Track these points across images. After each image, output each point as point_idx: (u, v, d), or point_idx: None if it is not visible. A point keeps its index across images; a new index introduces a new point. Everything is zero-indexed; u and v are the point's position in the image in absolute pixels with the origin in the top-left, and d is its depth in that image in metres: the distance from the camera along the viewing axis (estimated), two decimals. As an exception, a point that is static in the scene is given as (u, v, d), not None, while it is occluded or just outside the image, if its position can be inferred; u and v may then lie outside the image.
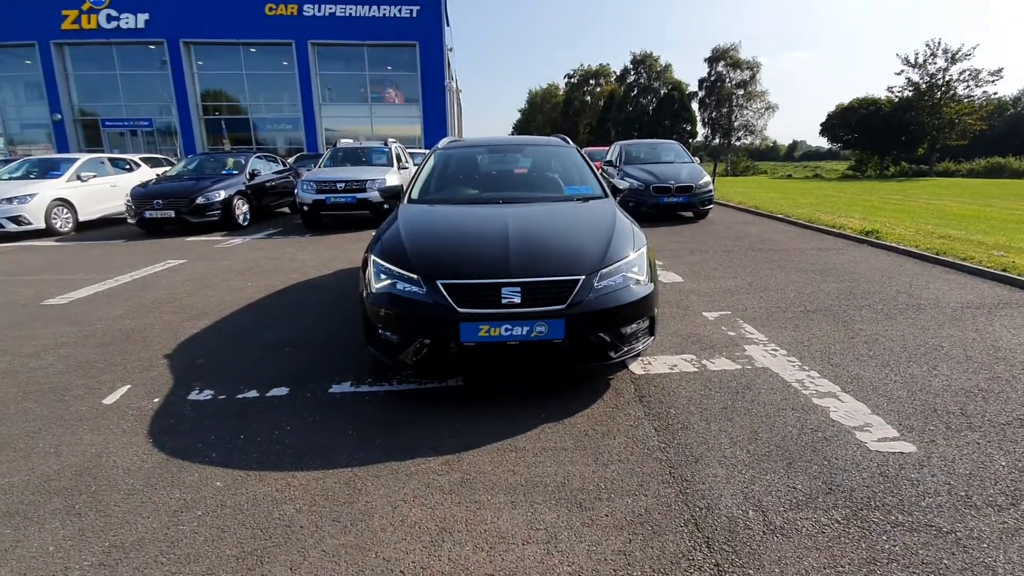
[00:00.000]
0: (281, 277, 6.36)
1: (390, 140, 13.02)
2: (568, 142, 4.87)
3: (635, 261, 3.07)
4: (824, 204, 13.69)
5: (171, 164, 15.56)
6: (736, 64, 42.72)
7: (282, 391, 3.27)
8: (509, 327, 2.74)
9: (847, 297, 5.02)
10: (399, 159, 12.34)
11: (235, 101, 28.44)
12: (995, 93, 33.19)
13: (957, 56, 31.29)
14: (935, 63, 32.02)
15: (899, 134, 33.96)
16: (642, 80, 50.23)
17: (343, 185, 10.33)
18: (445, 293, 2.79)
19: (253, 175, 11.76)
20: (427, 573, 1.81)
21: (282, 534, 2.02)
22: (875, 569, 1.80)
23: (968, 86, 31.47)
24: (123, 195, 11.81)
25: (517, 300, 2.75)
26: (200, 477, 2.40)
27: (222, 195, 10.46)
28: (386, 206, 10.57)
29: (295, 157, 19.59)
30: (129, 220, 10.35)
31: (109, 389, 3.34)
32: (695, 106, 46.67)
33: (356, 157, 12.35)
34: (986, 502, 2.11)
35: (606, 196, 4.02)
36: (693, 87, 46.73)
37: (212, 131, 27.98)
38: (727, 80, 43.17)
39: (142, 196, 10.10)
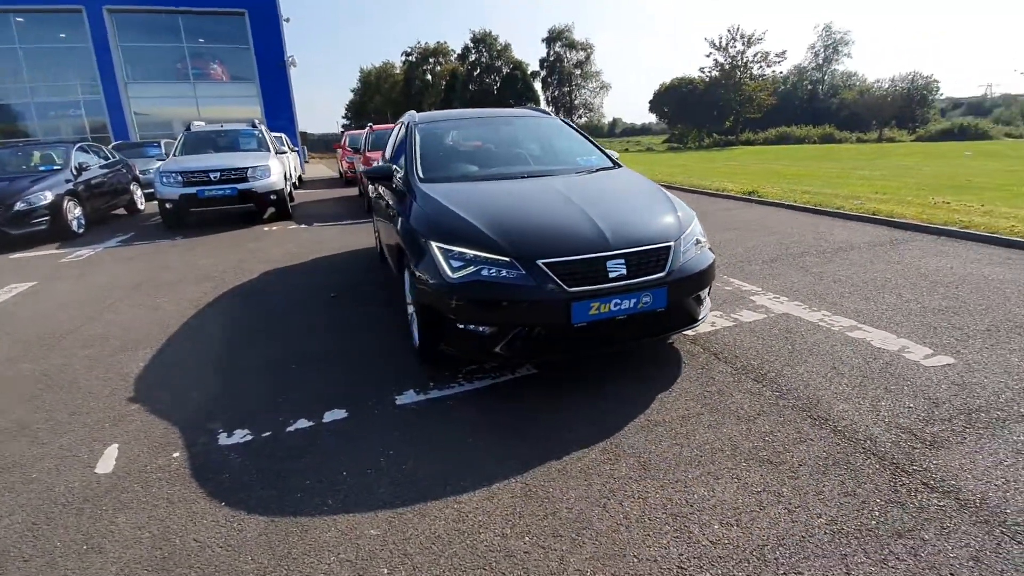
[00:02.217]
0: (196, 289, 5.27)
1: (256, 120, 11.41)
2: (549, 113, 4.74)
3: (697, 225, 3.15)
4: (686, 172, 15.40)
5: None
6: (572, 45, 45.41)
7: (339, 414, 2.75)
8: (618, 301, 2.64)
9: (783, 247, 5.76)
10: (271, 143, 10.88)
11: (3, 84, 22.30)
12: (781, 72, 40.36)
13: (752, 40, 37.33)
14: (735, 46, 37.84)
15: (711, 109, 39.59)
16: (484, 59, 50.75)
17: (218, 175, 8.80)
18: (551, 273, 2.57)
19: (80, 170, 9.45)
20: (704, 559, 1.71)
21: (511, 565, 1.73)
22: (1020, 459, 2.13)
23: (760, 66, 37.86)
24: None
25: (623, 272, 2.65)
26: (341, 531, 1.93)
27: (48, 197, 8.25)
28: (272, 197, 9.32)
29: (111, 147, 16.15)
30: (-94, 238, 7.64)
31: (90, 453, 2.49)
32: (538, 85, 48.68)
33: (217, 142, 10.59)
34: (1034, 390, 2.63)
35: (618, 165, 4.03)
36: (534, 66, 48.62)
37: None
38: (565, 60, 45.74)
39: (-74, 205, 7.51)
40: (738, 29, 37.45)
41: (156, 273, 6.02)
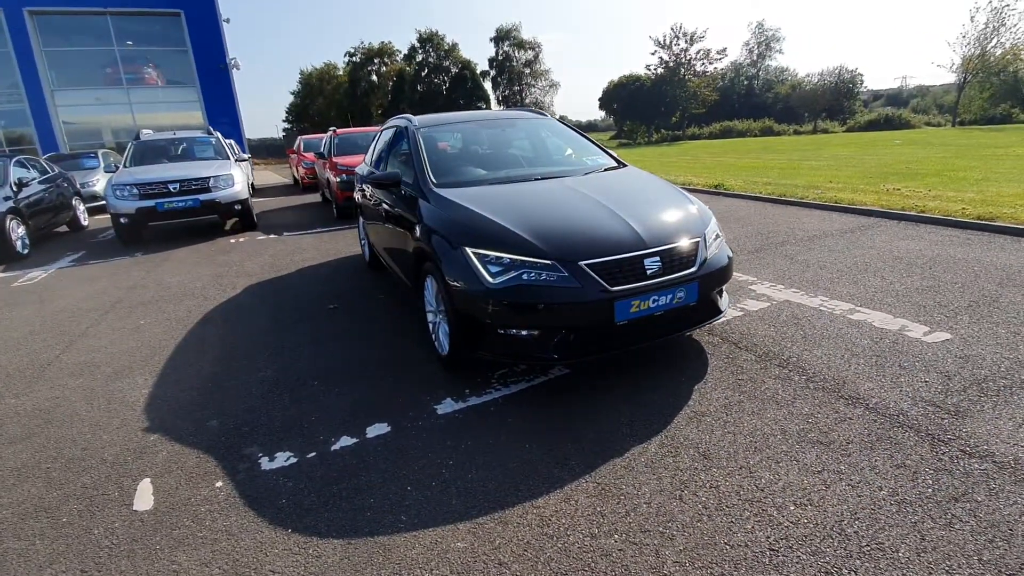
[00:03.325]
0: (178, 307, 5.00)
1: (210, 128, 10.89)
2: (545, 114, 4.77)
3: (714, 221, 3.27)
4: (644, 167, 15.78)
5: None
6: (520, 44, 45.66)
7: (382, 428, 2.69)
8: (656, 298, 2.71)
9: (763, 237, 6.04)
10: (227, 151, 10.41)
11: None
12: (721, 69, 42.05)
13: (694, 38, 38.81)
14: (679, 44, 39.21)
15: (659, 105, 40.81)
16: (431, 59, 50.20)
17: (178, 186, 8.34)
18: (594, 274, 2.61)
19: (20, 185, 8.72)
20: (792, 540, 1.79)
21: (610, 564, 1.76)
22: (1032, 421, 2.35)
23: (703, 63, 39.37)
24: None
25: (659, 269, 2.73)
26: (425, 547, 1.89)
27: (-13, 216, 7.58)
28: (238, 207, 8.93)
29: (44, 159, 14.98)
30: None
31: (120, 491, 2.34)
32: (488, 85, 48.62)
33: (169, 151, 10.06)
34: (1026, 358, 2.89)
35: (623, 164, 4.11)
36: (483, 66, 48.56)
37: None
38: (514, 60, 45.95)
39: None
40: (681, 27, 38.95)
41: (127, 293, 5.66)
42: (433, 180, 3.56)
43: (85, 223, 11.22)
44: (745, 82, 54.36)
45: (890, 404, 2.55)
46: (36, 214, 8.95)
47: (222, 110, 24.62)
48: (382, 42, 59.10)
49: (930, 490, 1.97)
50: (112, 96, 23.14)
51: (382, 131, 5.41)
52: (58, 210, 10.11)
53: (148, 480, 2.40)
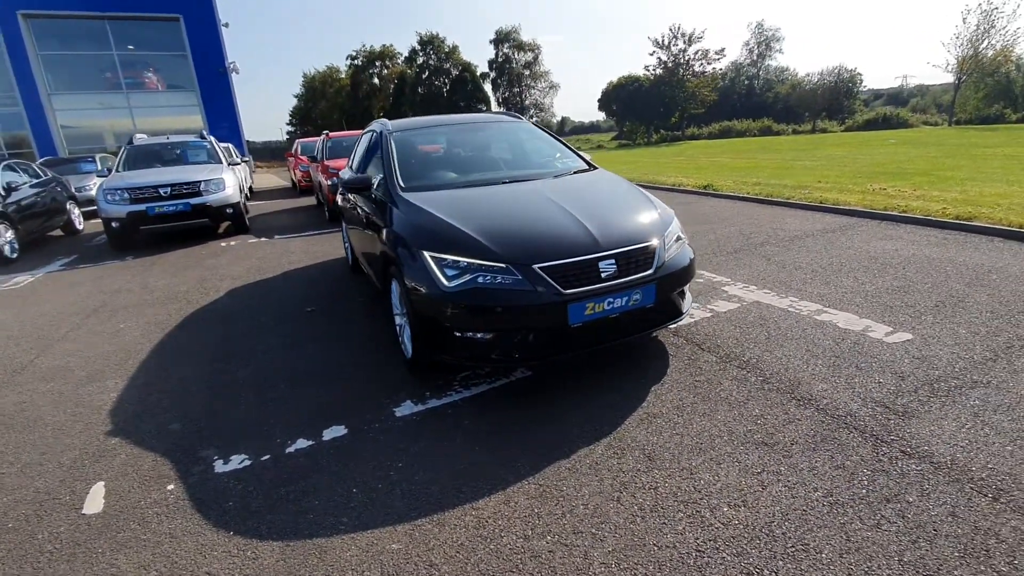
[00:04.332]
0: (159, 311, 5.04)
1: (205, 132, 10.95)
2: (520, 117, 4.80)
3: (676, 223, 3.28)
4: (638, 168, 15.82)
5: None
6: (520, 46, 45.75)
7: (339, 430, 2.71)
8: (611, 300, 2.73)
9: (744, 238, 6.04)
10: (222, 155, 10.46)
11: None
12: (719, 69, 41.98)
13: (692, 38, 38.75)
14: (677, 45, 39.16)
15: (658, 106, 40.78)
16: (432, 62, 50.36)
17: (169, 190, 8.39)
18: (547, 277, 2.63)
19: (8, 189, 8.80)
20: (719, 541, 1.80)
21: (538, 565, 1.77)
22: (983, 416, 2.36)
23: (701, 64, 39.31)
24: None
25: (614, 272, 2.74)
26: (361, 548, 1.92)
27: (-25, 221, 7.64)
28: (229, 210, 8.98)
29: (40, 163, 15.08)
30: None
31: (72, 495, 2.36)
32: (488, 87, 48.74)
33: (163, 156, 10.11)
34: (982, 355, 2.89)
35: (593, 167, 4.13)
36: (483, 68, 48.67)
37: None
38: (514, 62, 46.03)
39: None
40: (679, 28, 38.86)
41: (111, 297, 5.71)
42: (401, 184, 3.59)
43: (80, 227, 11.29)
44: (745, 82, 54.30)
45: (840, 405, 2.56)
46: (26, 218, 9.02)
47: (222, 114, 24.78)
48: (383, 45, 59.29)
49: (864, 491, 1.98)
50: (112, 100, 23.33)
51: (362, 136, 5.45)
52: (51, 214, 10.18)
53: (102, 483, 2.43)
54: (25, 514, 2.25)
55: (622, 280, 2.75)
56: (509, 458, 2.38)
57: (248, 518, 2.13)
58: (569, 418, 2.65)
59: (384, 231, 3.39)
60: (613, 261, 2.75)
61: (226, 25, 23.61)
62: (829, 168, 12.33)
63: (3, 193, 8.59)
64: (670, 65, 39.72)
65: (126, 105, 23.39)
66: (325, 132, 11.72)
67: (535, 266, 2.65)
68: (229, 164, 10.28)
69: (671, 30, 39.17)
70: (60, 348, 4.26)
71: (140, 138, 10.60)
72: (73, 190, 11.55)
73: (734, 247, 5.65)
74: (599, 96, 47.04)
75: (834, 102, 45.34)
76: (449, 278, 2.71)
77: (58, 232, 10.76)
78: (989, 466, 2.06)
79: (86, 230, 11.20)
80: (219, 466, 2.49)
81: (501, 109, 48.26)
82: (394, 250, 3.13)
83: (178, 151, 10.33)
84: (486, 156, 4.24)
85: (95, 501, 2.31)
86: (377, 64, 60.61)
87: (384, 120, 4.56)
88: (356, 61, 61.16)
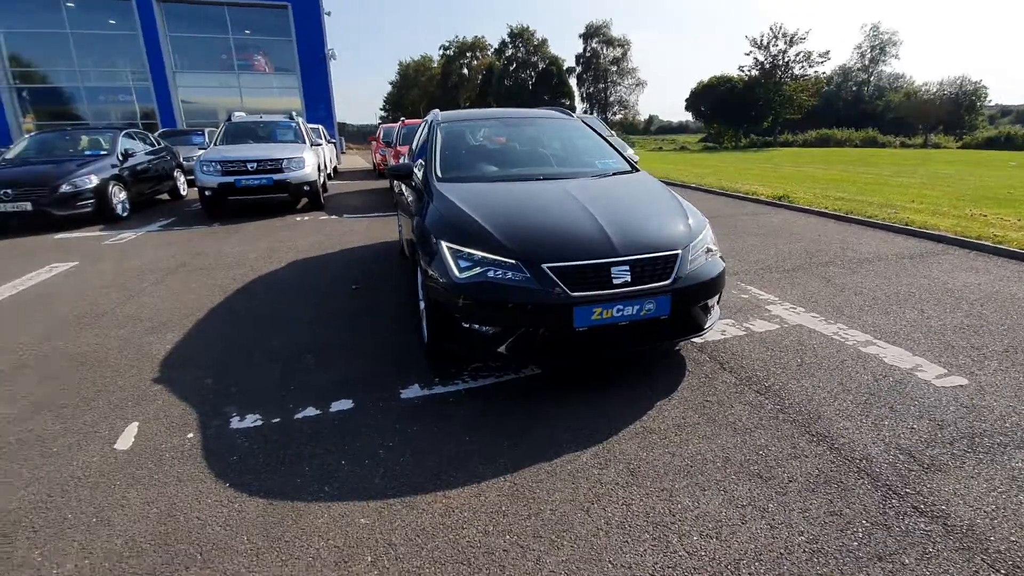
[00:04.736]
0: (227, 275, 5.50)
1: (294, 112, 11.72)
2: (570, 114, 4.75)
3: (708, 233, 3.13)
4: (717, 174, 15.09)
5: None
6: (609, 41, 44.91)
7: (346, 404, 2.86)
8: (621, 307, 2.66)
9: (808, 256, 5.63)
10: (307, 135, 11.18)
11: (56, 67, 23.48)
12: (823, 72, 38.98)
13: (794, 39, 36.18)
14: (777, 45, 36.72)
15: (749, 109, 38.54)
16: (520, 54, 50.65)
17: (255, 165, 9.11)
18: (555, 278, 2.61)
19: (126, 155, 9.90)
20: (678, 570, 1.73)
21: (489, 562, 1.79)
22: (1019, 484, 2.07)
23: (802, 66, 36.66)
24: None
25: (627, 279, 2.67)
26: (332, 517, 2.02)
27: (94, 181, 8.66)
28: (306, 188, 9.61)
29: (157, 134, 16.82)
30: (-37, 216, 8.14)
31: (111, 430, 2.66)
32: (573, 81, 48.33)
33: (256, 133, 10.95)
34: (1051, 418, 2.53)
35: (635, 169, 4.02)
36: (569, 62, 48.29)
37: (31, 102, 22.90)
38: (602, 57, 45.26)
39: (-18, 185, 7.99)
40: (780, 28, 36.34)
41: (191, 259, 6.30)
42: (438, 174, 3.68)
43: (184, 193, 12.50)
44: (853, 88, 49.98)
45: (858, 447, 2.34)
46: (138, 182, 10.13)
47: (319, 96, 26.41)
48: (475, 36, 60.46)
49: (855, 543, 1.82)
50: (225, 80, 25.54)
51: (421, 125, 5.62)
52: (160, 180, 11.38)
53: (136, 424, 2.72)
54: (69, 442, 2.57)
55: (635, 288, 2.67)
56: (494, 453, 2.40)
57: (245, 473, 2.30)
58: (564, 422, 2.62)
59: (416, 218, 3.49)
60: (627, 268, 2.68)
61: (328, 13, 25.03)
62: (930, 187, 11.12)
63: (120, 159, 9.70)
64: (767, 66, 37.27)
65: (236, 85, 25.51)
66: (401, 119, 12.18)
67: (544, 265, 2.64)
68: (312, 145, 10.99)
69: (771, 29, 36.74)
70: (138, 300, 4.77)
71: (238, 116, 11.53)
72: (181, 159, 12.80)
73: (793, 264, 5.28)
74: (687, 96, 45.31)
75: (953, 115, 40.70)
76: (461, 269, 2.76)
77: (165, 196, 11.96)
78: (1011, 539, 1.81)
79: (188, 196, 12.37)
80: (235, 422, 2.71)
81: (584, 105, 47.65)
82: (420, 237, 3.22)
83: (269, 129, 11.14)
84: (529, 152, 4.23)
85: (127, 439, 2.59)
86: (468, 55, 61.95)
87: (437, 111, 4.68)
88: (448, 51, 62.87)
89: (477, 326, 2.76)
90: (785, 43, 36.48)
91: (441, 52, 63.40)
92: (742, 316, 3.93)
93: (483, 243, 2.78)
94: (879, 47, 48.52)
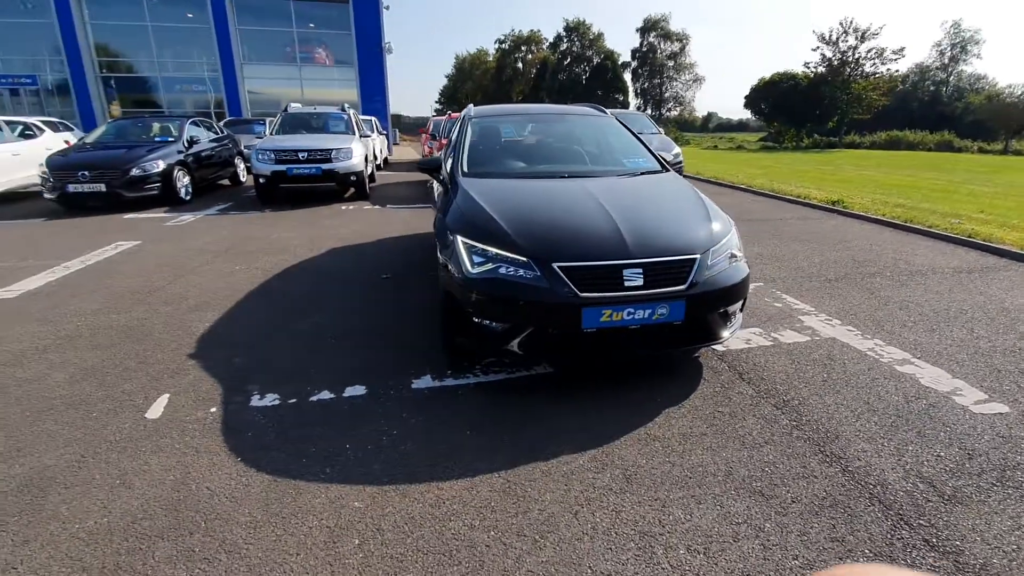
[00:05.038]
0: (269, 259, 5.76)
1: (346, 105, 12.08)
2: (604, 112, 4.69)
3: (733, 238, 3.03)
4: (770, 175, 14.45)
5: (69, 129, 13.59)
6: (667, 35, 43.69)
7: (359, 390, 2.95)
8: (632, 311, 2.61)
9: (855, 265, 5.32)
10: (358, 127, 11.51)
11: (137, 57, 25.16)
12: (896, 71, 36.39)
13: (866, 35, 33.94)
14: (847, 41, 34.59)
15: (814, 108, 36.55)
16: (575, 48, 50.11)
17: (306, 155, 9.49)
18: (565, 278, 2.60)
19: (191, 142, 10.51)
20: (658, 583, 1.70)
21: (470, 556, 1.82)
22: (1054, 530, 1.90)
23: (874, 63, 34.37)
24: (25, 165, 10.24)
25: (639, 282, 2.62)
26: (330, 499, 2.10)
27: (161, 165, 9.26)
28: (352, 178, 9.91)
29: (223, 123, 17.73)
30: (46, 195, 8.89)
31: (145, 400, 2.86)
32: (627, 76, 47.38)
33: (310, 124, 11.39)
34: (1104, 457, 2.31)
35: (665, 169, 3.93)
36: (625, 57, 47.33)
37: (115, 90, 24.64)
38: (659, 51, 44.11)
39: (62, 167, 8.71)
40: (851, 22, 34.08)
41: (240, 242, 6.64)
42: (464, 169, 3.72)
43: (244, 180, 13.16)
44: (931, 88, 46.44)
45: (874, 472, 2.22)
46: (201, 167, 10.75)
47: (375, 89, 27.03)
48: (531, 30, 60.27)
49: (853, 572, 1.72)
50: (288, 72, 26.58)
51: (458, 119, 5.69)
52: (222, 166, 12.03)
53: (168, 395, 2.91)
54: (108, 408, 2.78)
55: (647, 292, 2.62)
56: (493, 448, 2.42)
57: (257, 449, 2.43)
58: (567, 422, 2.61)
59: (439, 212, 3.55)
60: (640, 270, 2.63)
61: (387, 8, 25.53)
62: (1003, 197, 10.24)
63: (186, 145, 10.32)
64: (835, 63, 35.12)
65: (298, 77, 26.49)
66: (448, 112, 12.33)
67: (555, 264, 2.63)
68: (361, 136, 11.32)
69: (841, 24, 34.55)
70: (187, 279, 5.08)
71: (294, 107, 12.02)
72: (242, 147, 13.47)
73: (836, 274, 5.01)
74: (747, 93, 43.45)
75: (1041, 121, 37.12)
76: (475, 264, 2.79)
77: (226, 182, 12.63)
78: (1030, 583, 1.67)
79: (247, 183, 13.00)
80: (255, 400, 2.86)
81: (638, 100, 46.64)
82: (440, 230, 3.27)
83: (322, 120, 11.55)
84: (558, 148, 4.21)
85: (157, 409, 2.78)
86: (523, 49, 61.84)
87: (471, 106, 4.72)
88: (504, 45, 62.96)
89: (487, 322, 2.78)
90: (856, 39, 34.31)
91: (497, 46, 63.58)
92: (771, 325, 3.78)
93: (496, 240, 2.79)
94: (960, 45, 44.80)
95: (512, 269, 2.70)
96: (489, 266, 2.75)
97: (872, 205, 8.38)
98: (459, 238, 2.90)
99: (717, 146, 41.22)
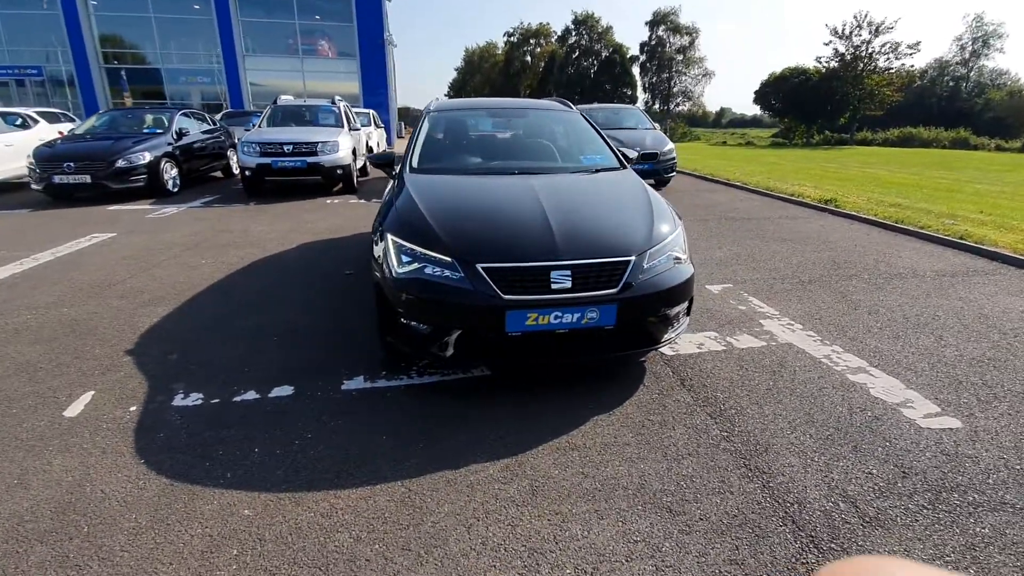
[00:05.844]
0: (238, 253, 5.71)
1: (337, 98, 11.99)
2: (570, 106, 4.55)
3: (677, 239, 2.90)
4: (771, 172, 14.18)
5: (71, 120, 13.67)
6: (676, 29, 43.07)
7: (286, 390, 2.87)
8: (559, 314, 2.51)
9: (833, 267, 5.16)
10: (348, 120, 11.42)
11: (141, 49, 25.27)
12: (912, 66, 35.58)
13: (880, 29, 33.14)
14: (860, 35, 33.82)
15: (825, 103, 35.84)
16: (583, 42, 49.61)
17: (291, 148, 9.43)
18: (488, 279, 2.49)
19: (180, 134, 10.50)
20: (534, 606, 1.61)
21: (347, 570, 1.73)
22: (977, 554, 1.78)
23: (888, 58, 33.60)
24: (18, 156, 10.28)
25: (567, 284, 2.51)
26: (221, 505, 2.03)
27: (147, 157, 9.26)
28: (339, 171, 9.84)
29: (221, 115, 17.74)
30: (33, 186, 8.93)
31: (68, 397, 2.81)
32: (636, 70, 46.82)
33: (300, 116, 11.32)
34: (1047, 477, 2.17)
35: (623, 166, 3.80)
36: (634, 51, 46.77)
37: (115, 82, 24.78)
38: (667, 45, 43.52)
39: (48, 158, 8.73)
40: (865, 16, 33.21)
41: (215, 235, 6.59)
42: (413, 164, 3.62)
43: (236, 172, 13.15)
44: (950, 83, 45.42)
45: (795, 488, 2.10)
46: (190, 159, 10.74)
47: (377, 82, 26.99)
48: (540, 23, 59.80)
49: (745, 599, 1.62)
50: (290, 63, 26.58)
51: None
52: (213, 158, 12.02)
53: (92, 393, 2.85)
54: (28, 405, 2.73)
55: (575, 295, 2.51)
56: (405, 455, 2.33)
57: (164, 451, 2.36)
58: (488, 429, 2.51)
59: (381, 208, 3.46)
60: (568, 272, 2.52)
61: (390, 0, 25.38)
62: (1010, 197, 9.93)
63: (175, 137, 10.30)
64: (848, 58, 34.36)
65: (300, 69, 26.49)
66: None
67: (479, 265, 2.52)
68: (351, 129, 11.23)
69: (855, 17, 33.69)
70: (151, 272, 5.04)
71: (285, 99, 11.96)
72: (236, 139, 13.46)
73: (811, 276, 4.85)
74: (756, 88, 42.73)
75: (1065, 117, 36.19)
76: (402, 263, 2.70)
77: (219, 174, 12.63)
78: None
79: (238, 175, 12.99)
80: (178, 400, 2.79)
81: (645, 95, 46.13)
82: (375, 226, 3.19)
83: (312, 113, 11.48)
84: (515, 144, 4.10)
85: (78, 407, 2.72)
86: (531, 42, 61.44)
87: (435, 98, 4.61)
88: (512, 38, 62.59)
89: (413, 323, 2.69)
90: (870, 32, 33.51)
91: (505, 39, 63.21)
92: (729, 329, 3.65)
93: (424, 239, 2.70)
94: (982, 39, 43.65)
95: (437, 270, 2.60)
96: (415, 266, 2.66)
97: (866, 205, 8.16)
98: (389, 236, 2.81)
99: (726, 142, 40.70)
